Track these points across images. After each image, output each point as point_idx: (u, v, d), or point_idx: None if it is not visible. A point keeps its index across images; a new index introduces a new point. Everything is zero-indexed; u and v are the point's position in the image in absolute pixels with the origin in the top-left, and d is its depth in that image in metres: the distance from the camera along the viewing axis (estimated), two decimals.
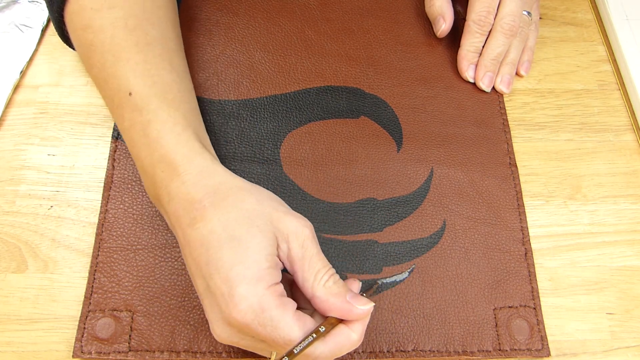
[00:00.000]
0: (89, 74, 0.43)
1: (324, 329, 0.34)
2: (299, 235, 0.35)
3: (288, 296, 0.35)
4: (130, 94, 0.39)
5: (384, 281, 0.43)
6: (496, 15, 0.50)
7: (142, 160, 0.39)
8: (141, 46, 0.41)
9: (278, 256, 0.35)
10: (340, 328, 0.35)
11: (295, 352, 0.32)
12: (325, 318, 0.35)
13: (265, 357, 0.37)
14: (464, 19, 0.52)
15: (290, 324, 0.33)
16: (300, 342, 0.33)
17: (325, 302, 0.34)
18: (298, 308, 0.34)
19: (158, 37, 0.42)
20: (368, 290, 0.42)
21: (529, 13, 0.51)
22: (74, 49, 0.46)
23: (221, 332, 0.34)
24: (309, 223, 0.36)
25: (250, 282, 0.33)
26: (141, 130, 0.39)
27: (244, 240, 0.34)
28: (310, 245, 0.36)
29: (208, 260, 0.34)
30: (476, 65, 0.52)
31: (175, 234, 0.38)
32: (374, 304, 0.36)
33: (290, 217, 0.36)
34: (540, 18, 0.56)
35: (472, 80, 0.52)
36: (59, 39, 0.47)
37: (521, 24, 0.51)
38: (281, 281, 0.35)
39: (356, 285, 0.38)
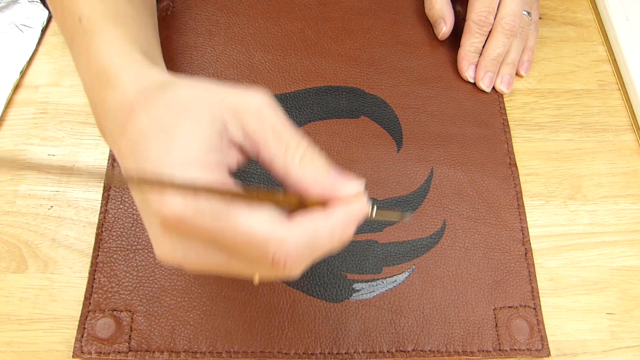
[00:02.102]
0: (52, 11, 0.41)
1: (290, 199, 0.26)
2: (251, 107, 0.28)
3: None
4: (80, 19, 0.36)
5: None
6: (496, 15, 0.50)
7: (86, 84, 0.35)
8: None
9: (232, 140, 0.29)
10: (319, 213, 0.27)
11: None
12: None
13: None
14: (464, 19, 0.52)
15: (242, 208, 0.26)
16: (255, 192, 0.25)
17: (303, 181, 0.28)
18: None
19: None
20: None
21: (528, 13, 0.51)
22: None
23: (160, 246, 0.28)
24: (264, 92, 0.29)
25: (177, 166, 0.26)
26: (86, 52, 0.35)
27: (173, 129, 0.27)
28: (268, 114, 0.28)
29: (137, 162, 0.28)
30: (476, 66, 0.52)
31: (116, 155, 0.32)
32: (364, 180, 0.29)
33: (238, 90, 0.29)
34: (540, 18, 0.56)
35: (472, 81, 0.52)
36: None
37: (521, 24, 0.51)
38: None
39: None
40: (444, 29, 0.53)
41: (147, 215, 0.29)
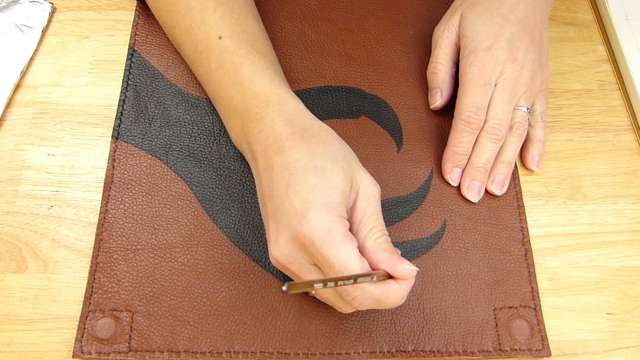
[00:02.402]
0: (168, 21, 0.46)
1: (375, 278, 0.35)
2: (367, 191, 0.38)
3: None
4: (220, 37, 0.43)
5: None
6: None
7: (231, 98, 0.42)
8: None
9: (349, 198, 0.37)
10: (390, 280, 0.36)
11: (351, 282, 0.33)
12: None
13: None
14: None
15: (350, 253, 0.34)
16: (356, 276, 0.34)
17: (373, 254, 0.36)
18: None
19: None
20: None
21: (527, 109, 0.47)
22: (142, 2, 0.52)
23: (281, 250, 0.36)
24: (379, 186, 0.39)
25: (325, 206, 0.35)
26: (233, 70, 0.42)
27: (327, 172, 0.36)
28: (374, 202, 0.38)
29: (289, 182, 0.36)
30: (463, 171, 0.47)
31: (255, 163, 0.40)
32: (417, 269, 0.37)
33: (366, 174, 0.38)
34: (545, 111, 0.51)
35: (454, 185, 0.47)
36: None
37: (516, 121, 0.46)
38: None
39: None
40: (438, 102, 0.49)
41: (280, 225, 0.36)
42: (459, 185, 0.47)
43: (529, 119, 0.47)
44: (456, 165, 0.47)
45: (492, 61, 0.45)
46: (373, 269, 0.36)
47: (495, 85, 0.46)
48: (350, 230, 0.37)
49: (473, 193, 0.46)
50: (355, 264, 0.34)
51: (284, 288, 0.30)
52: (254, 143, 0.40)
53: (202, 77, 0.45)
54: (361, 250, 0.36)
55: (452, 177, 0.47)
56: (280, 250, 0.36)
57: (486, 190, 0.47)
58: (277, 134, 0.38)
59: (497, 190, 0.47)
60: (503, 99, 0.45)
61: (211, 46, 0.43)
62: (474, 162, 0.46)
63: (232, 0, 0.44)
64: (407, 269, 0.36)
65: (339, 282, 0.33)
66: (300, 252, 0.36)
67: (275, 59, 0.45)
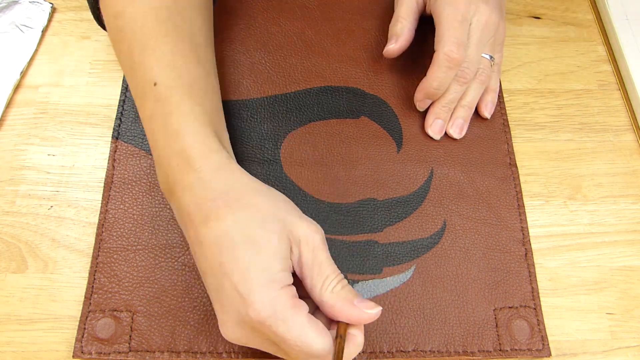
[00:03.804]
0: (118, 60, 0.44)
1: (339, 339, 0.34)
2: (309, 241, 0.36)
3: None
4: (155, 84, 0.39)
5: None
6: None
7: (159, 151, 0.39)
8: (170, 37, 0.41)
9: (290, 259, 0.36)
10: (350, 337, 0.35)
11: None
12: (330, 321, 0.36)
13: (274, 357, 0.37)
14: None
15: (303, 325, 0.33)
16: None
17: (334, 307, 0.35)
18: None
19: (187, 31, 0.42)
20: None
21: (491, 57, 0.48)
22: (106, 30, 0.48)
23: (232, 332, 0.35)
24: (320, 229, 0.37)
25: (265, 283, 0.33)
26: (161, 121, 0.39)
27: (258, 242, 0.34)
28: (320, 251, 0.36)
29: (222, 261, 0.34)
30: (429, 109, 0.49)
31: (185, 231, 0.38)
32: (381, 307, 0.36)
33: (303, 221, 0.36)
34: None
35: (420, 110, 0.49)
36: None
37: (481, 67, 0.48)
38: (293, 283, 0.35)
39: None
40: (392, 45, 0.49)
41: (225, 307, 0.35)
42: (428, 127, 0.49)
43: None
44: (427, 97, 0.48)
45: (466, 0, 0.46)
46: (337, 320, 0.35)
47: (469, 25, 0.47)
48: (305, 285, 0.36)
49: (436, 130, 0.49)
50: (308, 334, 0.33)
51: None
52: (177, 209, 0.38)
53: (142, 123, 0.42)
54: (321, 305, 0.35)
55: (420, 105, 0.49)
56: (232, 334, 0.35)
57: (486, 190, 0.47)
58: (199, 200, 0.36)
59: (456, 133, 0.49)
60: (474, 43, 0.47)
61: (147, 92, 0.40)
62: (440, 101, 0.48)
63: (176, 40, 0.41)
64: (370, 314, 0.35)
65: None
66: (252, 333, 0.35)
67: (215, 106, 0.42)
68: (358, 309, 0.35)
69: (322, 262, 0.36)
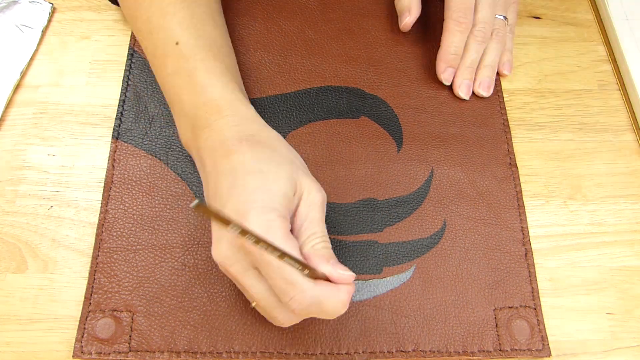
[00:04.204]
0: (132, 26, 0.47)
1: (307, 272, 0.34)
2: (310, 196, 0.38)
3: None
4: (177, 43, 0.42)
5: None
6: None
7: (183, 103, 0.41)
8: (187, 2, 0.44)
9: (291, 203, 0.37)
10: (329, 282, 0.35)
11: (276, 255, 0.32)
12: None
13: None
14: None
15: (289, 250, 0.34)
16: (284, 252, 0.32)
17: (309, 260, 0.35)
18: None
19: None
20: None
21: (504, 17, 0.51)
22: (115, 4, 0.51)
23: (221, 251, 0.36)
24: (324, 194, 0.39)
25: (265, 206, 0.35)
26: (187, 76, 0.41)
27: (270, 175, 0.36)
28: (316, 209, 0.38)
29: (232, 185, 0.36)
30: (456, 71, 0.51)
31: (203, 167, 0.40)
32: (354, 274, 0.36)
33: (311, 180, 0.38)
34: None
35: (447, 84, 0.51)
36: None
37: (496, 27, 0.51)
38: None
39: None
40: (407, 19, 0.52)
41: (221, 231, 0.36)
42: (452, 85, 0.51)
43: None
44: (449, 65, 0.50)
45: None
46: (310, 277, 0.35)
47: None
48: (293, 232, 0.37)
49: (465, 91, 0.51)
50: (291, 270, 0.34)
51: (191, 204, 0.29)
52: (202, 149, 0.40)
53: (159, 81, 0.45)
54: (302, 255, 0.36)
55: (445, 77, 0.51)
56: (220, 252, 0.36)
57: (486, 190, 0.47)
58: (224, 139, 0.39)
59: (485, 91, 0.51)
60: (487, 3, 0.50)
61: (168, 52, 0.43)
62: (464, 62, 0.51)
63: (193, 5, 0.44)
64: (341, 274, 0.35)
65: (260, 243, 0.32)
66: (239, 254, 0.35)
67: (234, 65, 0.45)
68: (330, 266, 0.35)
69: (313, 219, 0.37)
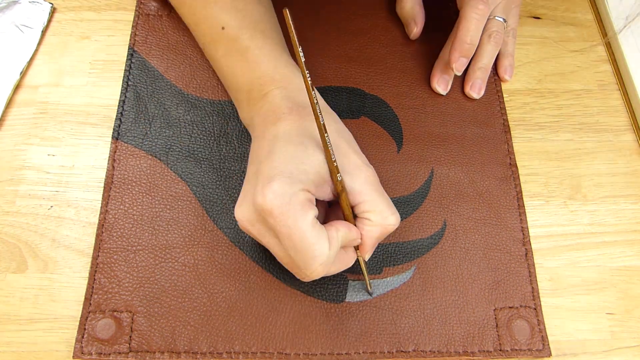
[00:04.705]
0: (183, 19, 0.48)
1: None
2: (359, 173, 0.38)
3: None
4: (223, 28, 0.44)
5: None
6: None
7: (239, 79, 0.43)
8: None
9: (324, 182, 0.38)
10: (346, 250, 0.39)
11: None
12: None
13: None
14: (456, 14, 0.51)
15: (307, 224, 0.35)
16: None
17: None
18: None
19: None
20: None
21: (504, 19, 0.51)
22: None
23: (243, 212, 0.37)
24: (371, 167, 0.39)
25: (293, 177, 0.36)
26: (239, 55, 0.43)
27: (309, 149, 0.37)
28: (368, 185, 0.38)
29: (271, 150, 0.37)
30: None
31: (252, 132, 0.43)
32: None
33: (357, 156, 0.39)
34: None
35: (458, 74, 0.49)
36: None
37: (494, 29, 0.50)
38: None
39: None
40: (415, 29, 0.53)
41: (250, 187, 0.37)
42: (434, 83, 0.51)
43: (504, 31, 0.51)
44: (463, 55, 0.48)
45: None
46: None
47: None
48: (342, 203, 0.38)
49: (441, 86, 0.51)
50: (309, 233, 0.35)
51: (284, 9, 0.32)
52: (256, 117, 0.42)
53: (213, 64, 0.47)
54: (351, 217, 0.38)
55: (457, 66, 0.49)
56: (242, 212, 0.37)
57: (486, 190, 0.47)
58: (276, 107, 0.40)
59: (475, 93, 0.51)
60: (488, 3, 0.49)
61: (217, 37, 0.44)
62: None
63: None
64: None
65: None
66: (259, 218, 0.36)
67: (281, 38, 0.45)
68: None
69: (371, 193, 0.38)
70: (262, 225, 0.37)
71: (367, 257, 0.40)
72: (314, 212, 0.36)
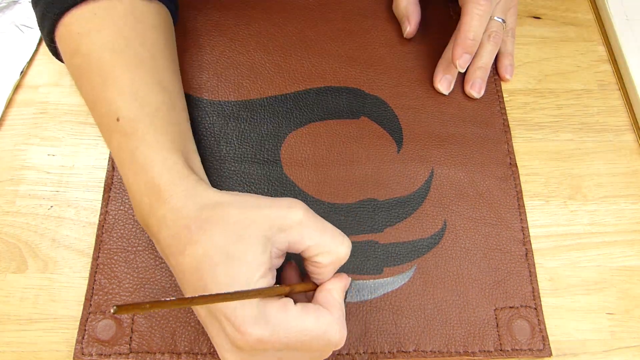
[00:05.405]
0: (82, 96, 0.43)
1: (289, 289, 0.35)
2: (293, 222, 0.35)
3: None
4: (117, 119, 0.39)
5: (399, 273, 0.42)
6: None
7: (130, 186, 0.39)
8: (129, 67, 0.40)
9: (279, 249, 0.35)
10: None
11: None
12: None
13: None
14: (455, 14, 0.52)
15: (298, 317, 0.33)
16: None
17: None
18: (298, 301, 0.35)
19: (147, 57, 0.41)
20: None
21: (503, 20, 0.51)
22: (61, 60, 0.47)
23: (233, 357, 0.34)
24: (300, 206, 0.35)
25: (249, 295, 0.33)
26: (129, 155, 0.38)
27: (235, 257, 0.33)
28: (307, 225, 0.35)
29: (205, 286, 0.33)
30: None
31: (168, 263, 0.37)
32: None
33: (278, 209, 0.35)
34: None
35: (462, 71, 0.49)
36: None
37: (493, 29, 0.50)
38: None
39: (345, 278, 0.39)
40: (409, 28, 0.53)
41: (219, 332, 0.34)
42: (437, 83, 0.51)
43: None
44: (466, 51, 0.48)
45: None
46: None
47: None
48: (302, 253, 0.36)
49: (444, 85, 0.51)
50: (309, 321, 0.33)
51: (111, 310, 0.27)
52: (157, 242, 0.38)
53: (112, 156, 0.42)
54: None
55: (461, 63, 0.48)
56: (234, 358, 0.34)
57: (486, 190, 0.47)
58: (174, 232, 0.35)
59: (476, 92, 0.51)
60: None
61: (112, 127, 0.39)
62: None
63: (137, 69, 0.40)
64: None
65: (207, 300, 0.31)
66: (254, 353, 0.33)
67: (182, 128, 0.41)
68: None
69: (312, 237, 0.35)
70: (261, 354, 0.34)
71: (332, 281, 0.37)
72: (290, 301, 0.34)
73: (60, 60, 0.45)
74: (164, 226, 0.36)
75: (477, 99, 0.51)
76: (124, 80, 0.39)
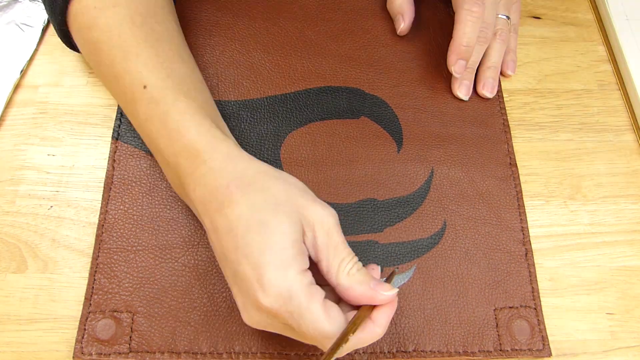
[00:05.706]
0: (96, 72, 0.44)
1: (356, 331, 0.34)
2: (324, 224, 0.36)
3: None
4: (145, 87, 0.40)
5: (399, 272, 0.42)
6: None
7: (163, 151, 0.39)
8: (150, 41, 0.41)
9: (304, 243, 0.35)
10: (366, 324, 0.35)
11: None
12: (350, 307, 0.36)
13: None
14: (450, 15, 0.51)
15: (317, 314, 0.33)
16: (333, 347, 0.33)
17: (350, 290, 0.35)
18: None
19: (164, 33, 0.42)
20: (387, 279, 0.40)
21: (507, 17, 0.51)
22: (75, 50, 0.47)
23: (251, 317, 0.35)
24: (334, 212, 0.37)
25: (278, 268, 0.33)
26: (159, 122, 0.39)
27: (271, 226, 0.34)
28: (334, 234, 0.36)
29: (236, 246, 0.34)
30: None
31: (202, 222, 0.38)
32: (397, 289, 0.36)
33: (316, 205, 0.36)
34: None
35: (458, 76, 0.50)
36: (59, 39, 0.47)
37: (499, 27, 0.50)
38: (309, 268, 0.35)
39: (376, 270, 0.38)
40: (402, 25, 0.53)
41: (242, 292, 0.35)
42: (456, 90, 0.51)
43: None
44: (461, 57, 0.49)
45: None
46: (353, 304, 0.36)
47: None
48: (321, 269, 0.36)
49: (463, 92, 0.51)
50: (321, 322, 0.33)
51: None
52: (194, 201, 0.38)
53: (136, 128, 0.42)
54: (337, 288, 0.35)
55: (457, 69, 0.49)
56: (251, 318, 0.35)
57: (486, 190, 0.47)
58: (212, 189, 0.36)
59: (489, 92, 0.51)
60: (489, 3, 0.49)
61: (137, 97, 0.40)
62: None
63: (156, 44, 0.41)
64: (386, 296, 0.35)
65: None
66: (269, 319, 0.35)
67: (207, 100, 0.42)
68: (374, 291, 0.35)
69: (337, 245, 0.36)
70: (277, 324, 0.35)
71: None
72: (319, 295, 0.34)
73: (69, 44, 0.46)
74: (201, 184, 0.37)
75: (489, 98, 0.51)
76: (147, 53, 0.40)
